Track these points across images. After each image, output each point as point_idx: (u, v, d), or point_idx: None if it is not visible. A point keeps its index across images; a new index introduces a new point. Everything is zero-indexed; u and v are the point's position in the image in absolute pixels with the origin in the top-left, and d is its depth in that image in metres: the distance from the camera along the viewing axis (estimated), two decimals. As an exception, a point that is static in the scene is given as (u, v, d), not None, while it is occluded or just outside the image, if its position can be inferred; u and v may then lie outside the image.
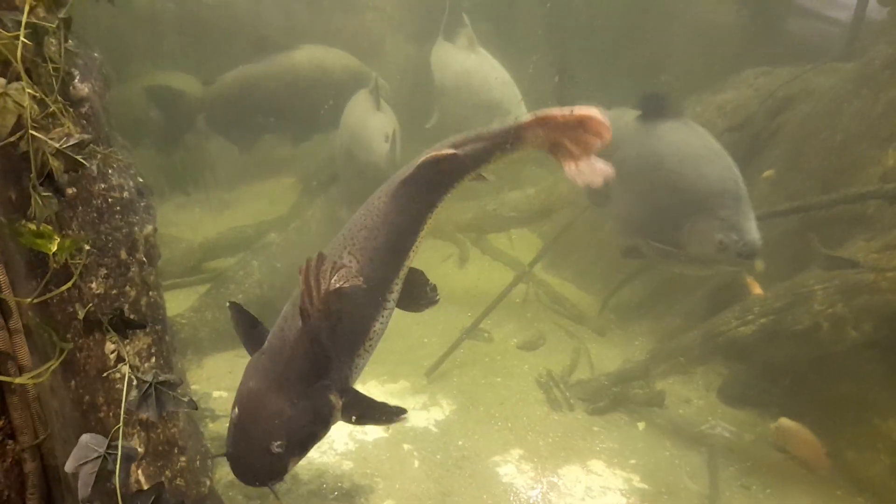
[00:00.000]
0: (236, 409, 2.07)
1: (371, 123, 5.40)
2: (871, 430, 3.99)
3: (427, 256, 7.26)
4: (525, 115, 2.42)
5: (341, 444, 4.23)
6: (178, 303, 5.41)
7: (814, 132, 4.90)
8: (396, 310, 6.43)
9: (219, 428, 4.15)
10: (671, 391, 5.00)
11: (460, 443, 4.33)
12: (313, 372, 2.15)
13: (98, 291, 2.48)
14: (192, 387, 4.68)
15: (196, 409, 1.96)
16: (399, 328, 5.81)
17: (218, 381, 4.81)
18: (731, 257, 3.74)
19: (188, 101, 6.66)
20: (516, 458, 4.23)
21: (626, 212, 4.48)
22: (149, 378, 1.83)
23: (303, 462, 3.88)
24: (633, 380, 4.84)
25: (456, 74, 5.96)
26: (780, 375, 4.64)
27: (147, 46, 7.19)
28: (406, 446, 4.24)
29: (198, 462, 2.96)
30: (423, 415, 4.61)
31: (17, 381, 1.87)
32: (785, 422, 4.39)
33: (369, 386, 4.86)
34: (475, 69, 5.85)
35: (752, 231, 3.69)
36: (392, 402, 4.55)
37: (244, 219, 6.77)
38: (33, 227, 1.85)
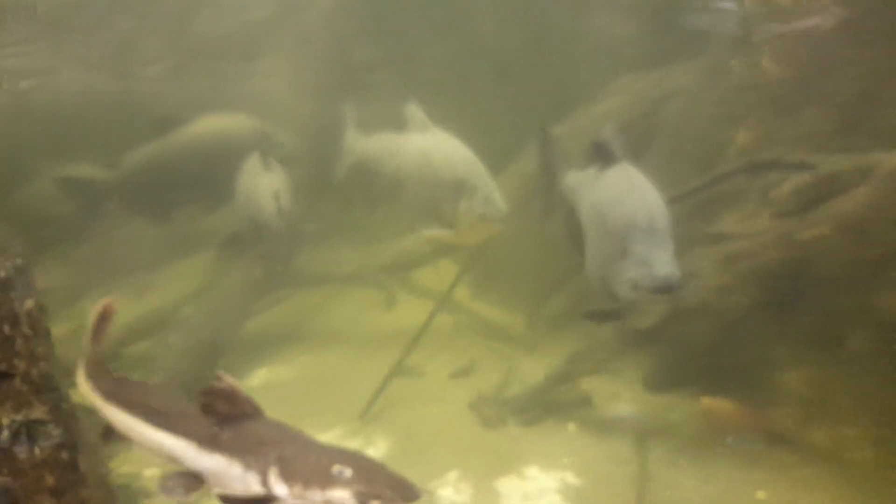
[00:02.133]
0: None
1: (260, 184, 5.58)
2: (778, 386, 4.21)
3: (356, 304, 7.35)
4: None
5: (278, 498, 4.19)
6: (101, 391, 5.33)
7: (684, 123, 5.27)
8: (330, 356, 6.44)
9: (153, 504, 4.08)
10: (600, 389, 5.14)
11: (397, 475, 4.34)
12: None
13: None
14: (123, 469, 4.59)
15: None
16: (329, 376, 5.86)
17: (149, 461, 4.70)
18: (646, 294, 3.61)
19: (98, 186, 6.73)
20: (454, 480, 4.27)
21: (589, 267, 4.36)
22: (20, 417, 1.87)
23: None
24: (559, 385, 4.97)
25: (412, 159, 5.36)
26: (694, 354, 4.84)
27: (47, 139, 7.25)
28: (343, 488, 4.23)
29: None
30: (360, 455, 4.62)
31: None
32: (706, 401, 4.58)
33: (303, 437, 4.85)
34: (433, 149, 5.26)
35: (664, 264, 3.53)
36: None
37: (165, 299, 6.74)
38: None
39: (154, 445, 2.46)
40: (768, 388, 4.27)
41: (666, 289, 3.52)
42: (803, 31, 4.16)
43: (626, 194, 3.95)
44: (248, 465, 2.21)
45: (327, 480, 2.09)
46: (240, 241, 6.20)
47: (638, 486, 4.07)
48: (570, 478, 4.21)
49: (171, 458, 2.41)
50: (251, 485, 2.18)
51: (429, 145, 5.29)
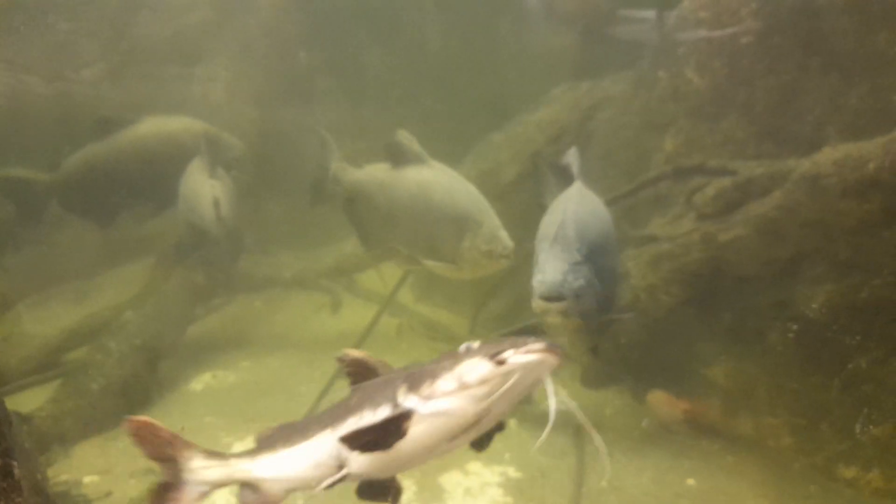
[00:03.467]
0: None
1: (201, 190, 5.57)
2: (702, 380, 4.46)
3: (300, 308, 7.36)
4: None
5: (223, 501, 4.19)
6: (37, 398, 5.21)
7: (615, 131, 5.52)
8: (273, 360, 6.33)
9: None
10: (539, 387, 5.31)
11: (342, 475, 4.41)
12: None
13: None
14: (62, 477, 4.52)
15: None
16: (273, 381, 5.86)
17: (89, 467, 4.64)
18: (539, 301, 3.52)
19: (37, 188, 6.57)
20: (398, 477, 4.35)
21: None
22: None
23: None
24: (500, 383, 5.11)
25: (409, 192, 4.98)
26: (626, 352, 5.07)
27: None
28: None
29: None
30: (304, 458, 4.65)
31: None
32: (651, 394, 4.81)
33: (247, 442, 4.85)
34: (432, 182, 4.93)
35: (553, 272, 3.44)
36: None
37: (105, 304, 6.61)
38: None
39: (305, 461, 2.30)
40: (695, 381, 4.52)
41: (553, 296, 3.40)
42: (723, 44, 4.44)
43: (558, 211, 3.92)
44: (376, 405, 2.13)
45: (455, 361, 2.00)
46: (182, 246, 6.16)
47: (576, 477, 4.24)
48: (512, 472, 4.35)
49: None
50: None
51: (427, 178, 4.93)
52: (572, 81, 6.34)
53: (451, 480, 4.30)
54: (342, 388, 5.57)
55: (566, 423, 4.77)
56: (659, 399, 4.77)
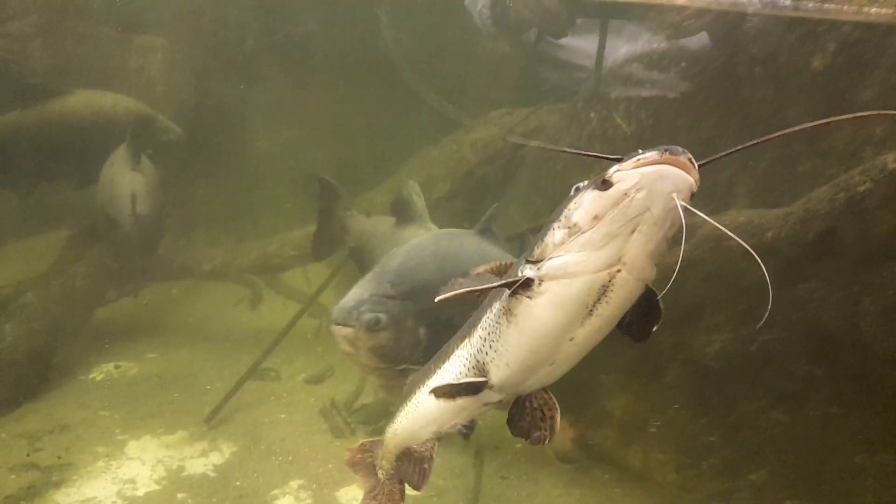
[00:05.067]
0: None
1: (121, 182, 5.42)
2: (601, 410, 4.65)
3: (218, 300, 7.21)
4: None
5: (109, 503, 4.09)
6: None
7: (545, 161, 5.66)
8: (183, 353, 6.19)
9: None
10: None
11: (238, 483, 4.37)
12: None
13: None
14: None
15: None
16: (180, 375, 5.73)
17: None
18: (332, 326, 3.35)
19: None
20: (295, 489, 4.36)
21: None
22: None
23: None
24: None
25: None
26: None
27: None
28: (180, 495, 4.20)
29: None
30: (202, 461, 4.58)
31: None
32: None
33: (143, 440, 4.74)
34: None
35: (348, 299, 3.28)
36: (167, 453, 4.51)
37: (3, 279, 6.29)
38: None
39: None
40: (594, 411, 4.70)
41: (339, 321, 3.22)
42: (651, 97, 4.62)
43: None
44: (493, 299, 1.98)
45: (560, 207, 1.68)
46: (96, 231, 5.96)
47: (471, 497, 4.36)
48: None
49: None
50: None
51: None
52: (510, 106, 6.47)
53: (349, 494, 4.33)
54: (250, 390, 5.53)
55: (466, 445, 4.92)
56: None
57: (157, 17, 7.97)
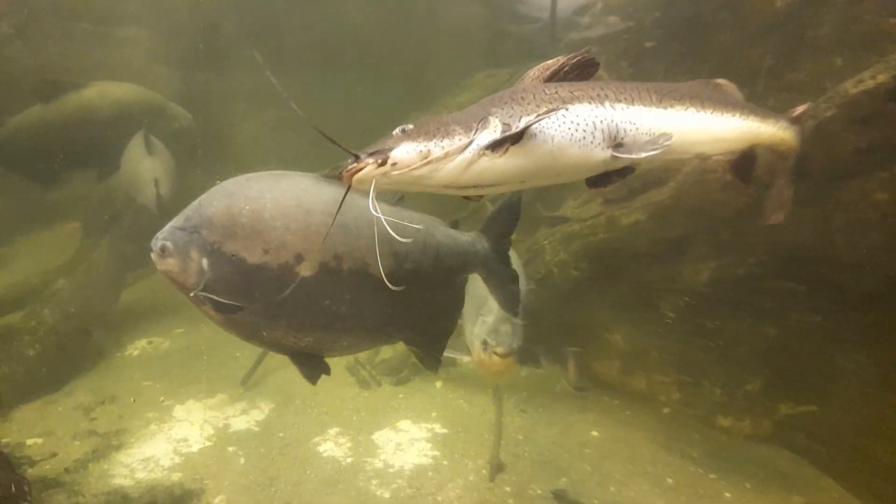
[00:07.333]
0: None
1: (142, 168, 5.70)
2: (604, 343, 5.07)
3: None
4: None
5: (167, 459, 4.46)
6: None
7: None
8: (206, 327, 6.42)
9: (39, 472, 4.22)
10: (462, 349, 5.81)
11: (281, 434, 4.76)
12: None
13: None
14: (3, 439, 4.64)
15: None
16: (208, 346, 6.07)
17: (30, 430, 4.78)
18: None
19: None
20: (334, 435, 4.76)
21: None
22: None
23: (131, 482, 4.11)
24: (427, 347, 5.56)
25: None
26: (539, 319, 5.62)
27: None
28: (230, 448, 4.59)
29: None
30: (244, 418, 4.97)
31: None
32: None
33: (188, 405, 5.11)
34: None
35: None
36: (212, 414, 4.83)
37: (27, 271, 6.56)
38: None
39: None
40: (598, 345, 5.12)
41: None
42: (629, 46, 4.95)
43: None
44: None
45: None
46: (119, 218, 6.24)
47: (495, 430, 4.77)
48: (438, 428, 4.84)
49: None
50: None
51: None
52: (492, 69, 6.72)
53: (384, 437, 4.74)
54: (276, 356, 5.90)
55: (486, 386, 5.31)
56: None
57: (135, 10, 8.08)
